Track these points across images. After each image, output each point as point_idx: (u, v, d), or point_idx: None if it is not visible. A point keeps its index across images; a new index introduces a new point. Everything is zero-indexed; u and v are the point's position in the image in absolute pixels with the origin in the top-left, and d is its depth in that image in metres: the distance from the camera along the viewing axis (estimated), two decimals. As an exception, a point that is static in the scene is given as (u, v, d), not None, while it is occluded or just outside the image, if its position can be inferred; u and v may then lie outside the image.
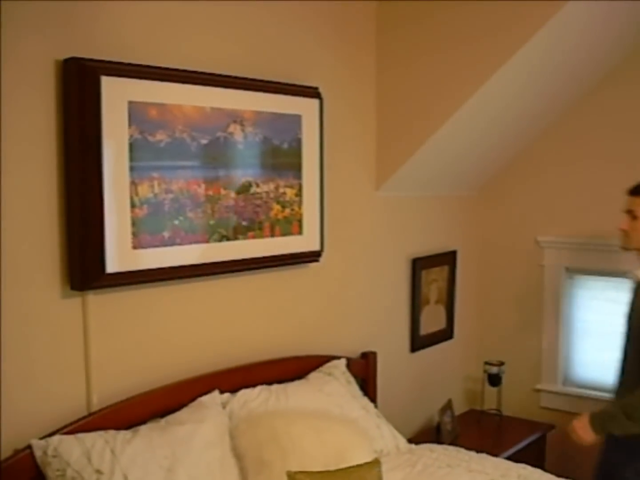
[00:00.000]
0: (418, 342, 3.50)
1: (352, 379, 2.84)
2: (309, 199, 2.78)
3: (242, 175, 2.52)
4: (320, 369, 2.80)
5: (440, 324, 3.69)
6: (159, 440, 2.11)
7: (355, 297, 3.14)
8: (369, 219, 3.21)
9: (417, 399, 3.49)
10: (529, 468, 2.54)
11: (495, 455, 2.76)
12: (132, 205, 2.19)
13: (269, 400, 2.50)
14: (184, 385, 2.37)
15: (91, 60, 2.06)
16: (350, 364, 2.90)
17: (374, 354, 3.09)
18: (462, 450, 2.65)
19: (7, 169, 1.96)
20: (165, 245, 2.29)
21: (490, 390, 3.60)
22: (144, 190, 2.21)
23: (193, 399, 2.34)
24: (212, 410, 2.33)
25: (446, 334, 3.73)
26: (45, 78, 2.03)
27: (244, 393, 2.49)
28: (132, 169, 2.17)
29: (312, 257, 2.84)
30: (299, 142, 2.71)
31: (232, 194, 2.49)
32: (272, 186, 2.62)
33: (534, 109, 3.34)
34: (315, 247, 2.83)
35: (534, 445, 3.34)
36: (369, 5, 3.09)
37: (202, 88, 2.36)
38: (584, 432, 2.55)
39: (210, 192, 2.41)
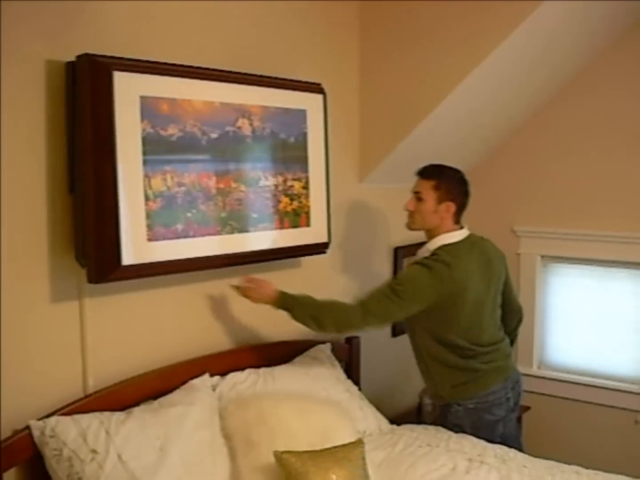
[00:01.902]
0: (399, 327, 3.53)
1: (336, 363, 2.90)
2: (316, 192, 2.78)
3: (251, 168, 2.53)
4: (306, 353, 2.85)
5: (421, 310, 3.76)
6: (152, 421, 2.16)
7: (340, 284, 3.20)
8: (353, 209, 3.27)
9: (399, 381, 3.55)
10: (505, 448, 2.57)
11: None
12: (146, 199, 2.19)
13: (257, 383, 2.55)
14: (175, 369, 2.42)
15: (103, 56, 2.07)
16: (335, 349, 2.96)
17: (357, 338, 3.15)
18: (442, 429, 2.68)
19: (19, 165, 2.00)
20: (179, 237, 2.30)
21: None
22: (157, 183, 2.22)
23: (184, 382, 2.39)
24: (202, 392, 2.38)
25: (426, 320, 3.80)
26: (56, 75, 2.06)
27: (233, 376, 2.54)
28: (145, 162, 2.17)
29: (320, 249, 2.85)
30: (304, 136, 2.72)
31: (242, 187, 2.49)
32: (280, 179, 2.63)
33: (514, 102, 3.40)
34: (323, 239, 2.85)
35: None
36: (353, 4, 3.13)
37: (212, 84, 2.37)
38: (263, 298, 2.47)
39: (221, 185, 2.42)
